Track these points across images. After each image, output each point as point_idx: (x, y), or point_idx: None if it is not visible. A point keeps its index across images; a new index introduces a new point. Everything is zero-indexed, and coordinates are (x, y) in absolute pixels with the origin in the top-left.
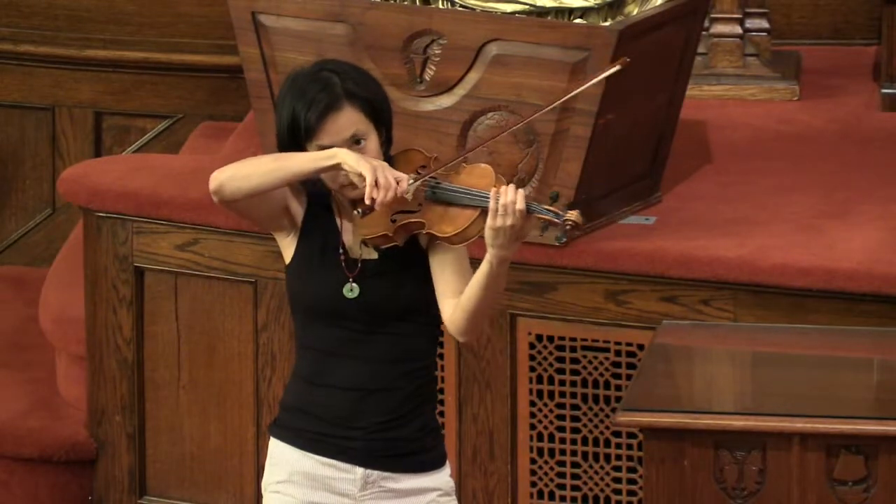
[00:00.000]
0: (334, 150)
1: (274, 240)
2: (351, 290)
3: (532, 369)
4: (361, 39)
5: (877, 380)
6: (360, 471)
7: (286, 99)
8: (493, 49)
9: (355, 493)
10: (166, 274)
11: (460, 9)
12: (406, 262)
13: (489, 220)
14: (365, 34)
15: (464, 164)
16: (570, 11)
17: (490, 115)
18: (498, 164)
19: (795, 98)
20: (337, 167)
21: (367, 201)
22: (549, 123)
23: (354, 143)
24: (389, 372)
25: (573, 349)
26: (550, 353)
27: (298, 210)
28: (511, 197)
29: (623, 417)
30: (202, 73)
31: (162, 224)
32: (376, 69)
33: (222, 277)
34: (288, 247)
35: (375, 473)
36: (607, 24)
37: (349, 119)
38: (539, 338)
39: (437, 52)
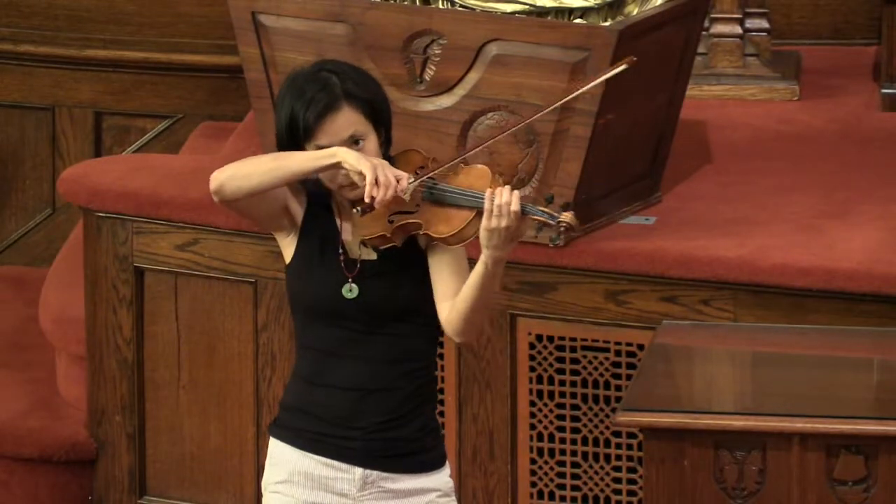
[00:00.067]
0: (334, 148)
1: (274, 240)
2: (350, 291)
3: (532, 369)
4: (361, 39)
5: (877, 380)
6: (358, 471)
7: (285, 99)
8: (493, 49)
9: (354, 493)
10: (166, 274)
11: (460, 9)
12: (405, 263)
13: (483, 221)
14: (365, 34)
15: (462, 165)
16: (570, 11)
17: (490, 115)
18: (498, 164)
19: (795, 98)
20: (337, 166)
21: (367, 199)
22: (549, 123)
23: (353, 143)
24: (389, 372)
25: (573, 349)
26: (550, 353)
27: (298, 210)
28: (506, 198)
29: (623, 417)
30: (202, 73)
31: (162, 224)
32: (376, 69)
33: (222, 277)
34: (288, 247)
35: (374, 474)
36: (607, 24)
37: (347, 119)
38: (539, 338)
39: (437, 52)
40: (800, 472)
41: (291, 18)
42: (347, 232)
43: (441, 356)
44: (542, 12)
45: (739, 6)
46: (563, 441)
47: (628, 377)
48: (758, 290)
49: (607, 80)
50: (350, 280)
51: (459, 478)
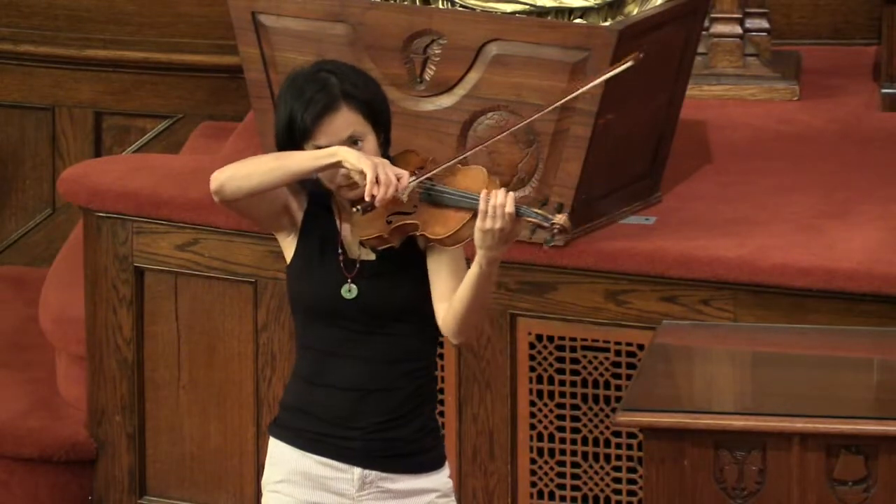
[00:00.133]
0: (335, 147)
1: (274, 240)
2: (349, 291)
3: (532, 369)
4: (361, 39)
5: (877, 380)
6: (357, 471)
7: (284, 99)
8: (493, 49)
9: (353, 493)
10: (166, 274)
11: (460, 9)
12: (404, 264)
13: (478, 222)
14: (365, 34)
15: (459, 166)
16: (570, 11)
17: (490, 115)
18: (498, 164)
19: (795, 98)
20: (338, 165)
21: (368, 198)
22: (549, 123)
23: (352, 143)
24: (389, 372)
25: (573, 349)
26: (550, 353)
27: (298, 210)
28: (500, 199)
29: (623, 417)
30: (202, 73)
31: (162, 224)
32: (376, 69)
33: (222, 277)
34: (288, 247)
35: (373, 474)
36: (607, 24)
37: (346, 120)
38: (539, 338)
39: (437, 52)
40: (800, 472)
41: (291, 18)
42: (347, 232)
43: (441, 356)
44: (542, 12)
45: (739, 6)
46: (563, 441)
47: (628, 377)
48: (758, 290)
49: (607, 80)
50: (349, 280)
51: (459, 478)
